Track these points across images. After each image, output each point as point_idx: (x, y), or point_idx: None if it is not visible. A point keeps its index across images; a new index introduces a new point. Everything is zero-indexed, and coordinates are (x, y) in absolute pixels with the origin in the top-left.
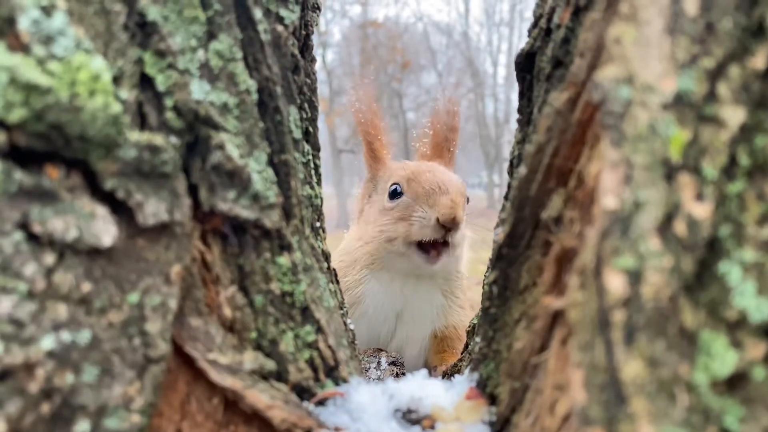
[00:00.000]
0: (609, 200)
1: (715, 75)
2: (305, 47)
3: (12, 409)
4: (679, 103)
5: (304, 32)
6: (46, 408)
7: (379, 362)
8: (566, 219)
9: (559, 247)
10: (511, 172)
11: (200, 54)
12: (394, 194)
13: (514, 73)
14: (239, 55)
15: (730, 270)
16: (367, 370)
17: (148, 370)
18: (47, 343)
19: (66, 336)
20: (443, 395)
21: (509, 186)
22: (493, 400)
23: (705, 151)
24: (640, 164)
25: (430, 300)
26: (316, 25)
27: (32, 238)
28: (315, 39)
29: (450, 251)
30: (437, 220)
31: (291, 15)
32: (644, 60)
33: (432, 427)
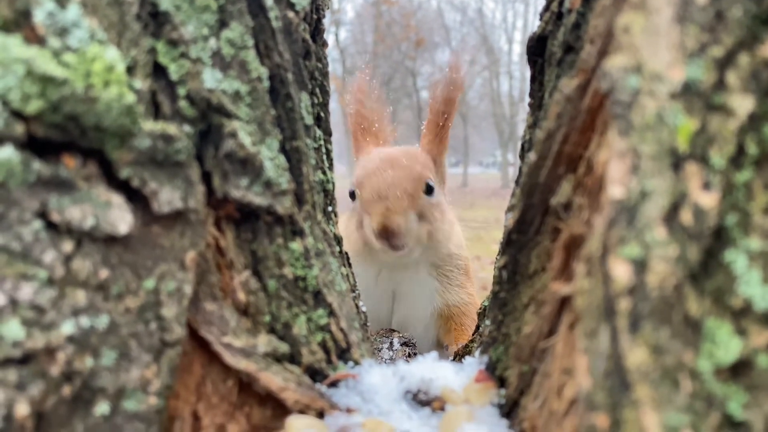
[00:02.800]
0: (616, 190)
1: (724, 64)
2: (316, 31)
3: (35, 391)
4: (688, 92)
5: (315, 16)
6: (67, 390)
7: (391, 343)
8: (575, 205)
9: (567, 234)
10: (522, 156)
11: (212, 42)
12: (352, 197)
13: None
14: (251, 42)
15: (736, 259)
16: (379, 351)
17: (165, 354)
18: (67, 328)
19: (85, 321)
20: (453, 377)
21: (520, 171)
22: (502, 382)
23: (713, 140)
24: (647, 154)
25: (420, 283)
26: (328, 8)
27: (51, 226)
28: (328, 17)
29: (411, 245)
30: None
31: (302, 1)
32: (653, 49)
33: (442, 408)
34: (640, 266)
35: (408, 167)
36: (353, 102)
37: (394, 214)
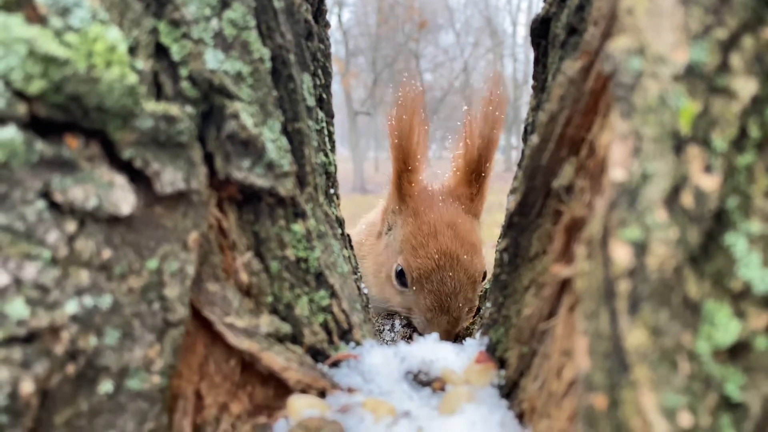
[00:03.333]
0: (617, 172)
1: (728, 46)
2: (319, 12)
3: (39, 369)
4: (691, 74)
5: None
6: (71, 369)
7: (393, 324)
8: (577, 188)
9: (569, 217)
10: (525, 139)
11: (214, 23)
12: (401, 279)
13: None
14: (253, 23)
15: (736, 241)
16: (381, 332)
17: (168, 334)
18: (71, 307)
19: (88, 301)
20: (454, 358)
21: (522, 154)
22: (502, 364)
23: (715, 123)
24: (649, 136)
25: None
26: None
27: (54, 206)
28: None
29: None
30: None
31: None
32: (656, 30)
33: (442, 389)
34: (641, 249)
35: (468, 265)
36: (396, 131)
37: (455, 327)
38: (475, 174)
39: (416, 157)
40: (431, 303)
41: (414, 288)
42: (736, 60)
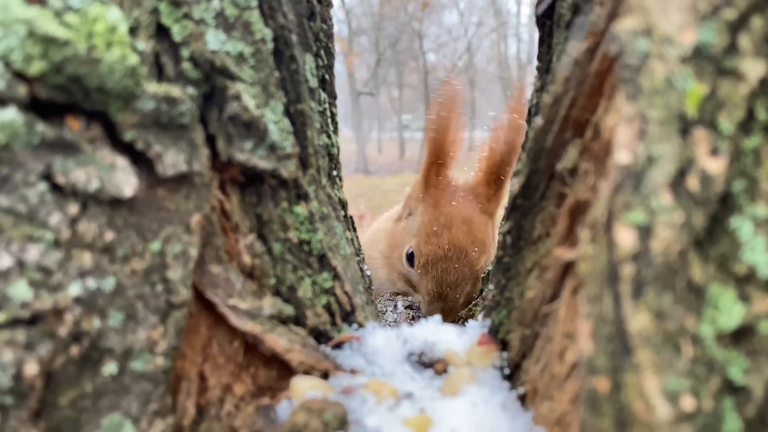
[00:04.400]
0: (622, 155)
1: (737, 27)
2: None
3: (43, 351)
4: (698, 56)
5: None
6: (75, 350)
7: (395, 306)
8: (581, 171)
9: (572, 199)
10: (529, 121)
11: (215, 3)
12: (410, 260)
13: None
14: (254, 3)
15: (742, 225)
16: (383, 313)
17: (171, 316)
18: (74, 289)
19: (91, 283)
20: (456, 340)
21: (526, 136)
22: (504, 346)
23: (722, 105)
24: (655, 119)
25: None
26: None
27: (56, 188)
28: None
29: None
30: None
31: None
32: (664, 11)
33: (444, 370)
34: (645, 232)
35: (474, 261)
36: (434, 125)
37: (448, 316)
38: (495, 176)
39: (448, 153)
40: (432, 288)
41: (419, 271)
42: (744, 41)
